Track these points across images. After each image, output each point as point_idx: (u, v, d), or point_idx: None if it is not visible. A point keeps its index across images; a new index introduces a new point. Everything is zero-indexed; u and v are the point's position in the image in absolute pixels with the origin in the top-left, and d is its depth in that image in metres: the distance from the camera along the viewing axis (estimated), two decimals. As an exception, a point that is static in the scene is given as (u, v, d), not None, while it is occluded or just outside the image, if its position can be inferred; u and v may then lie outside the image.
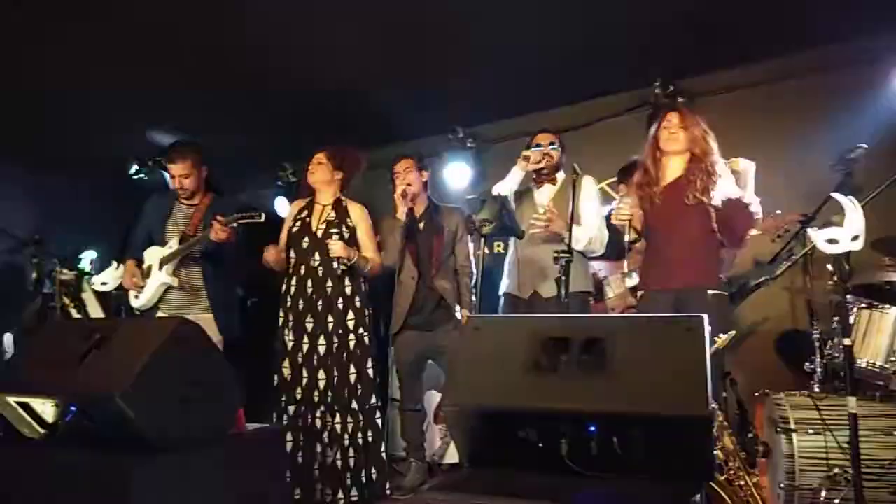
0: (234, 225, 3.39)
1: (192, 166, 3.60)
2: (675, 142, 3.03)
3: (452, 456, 4.12)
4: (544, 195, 3.55)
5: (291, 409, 3.40)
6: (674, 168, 3.08)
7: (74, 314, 3.96)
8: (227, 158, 5.81)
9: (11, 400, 2.12)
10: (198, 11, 3.64)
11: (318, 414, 3.38)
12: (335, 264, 3.42)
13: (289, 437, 3.34)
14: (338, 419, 3.38)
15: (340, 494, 3.34)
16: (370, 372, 3.48)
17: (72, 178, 5.71)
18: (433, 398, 4.19)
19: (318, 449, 3.36)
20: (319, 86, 4.57)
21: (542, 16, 3.70)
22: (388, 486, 3.46)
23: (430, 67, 4.34)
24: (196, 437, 2.03)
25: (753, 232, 3.59)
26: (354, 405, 3.39)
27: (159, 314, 3.53)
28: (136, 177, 5.57)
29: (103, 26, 3.76)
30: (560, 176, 3.56)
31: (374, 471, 3.40)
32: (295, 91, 4.66)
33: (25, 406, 2.13)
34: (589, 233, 3.39)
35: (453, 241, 3.75)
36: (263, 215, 3.42)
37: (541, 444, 1.65)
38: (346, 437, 3.38)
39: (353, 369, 3.42)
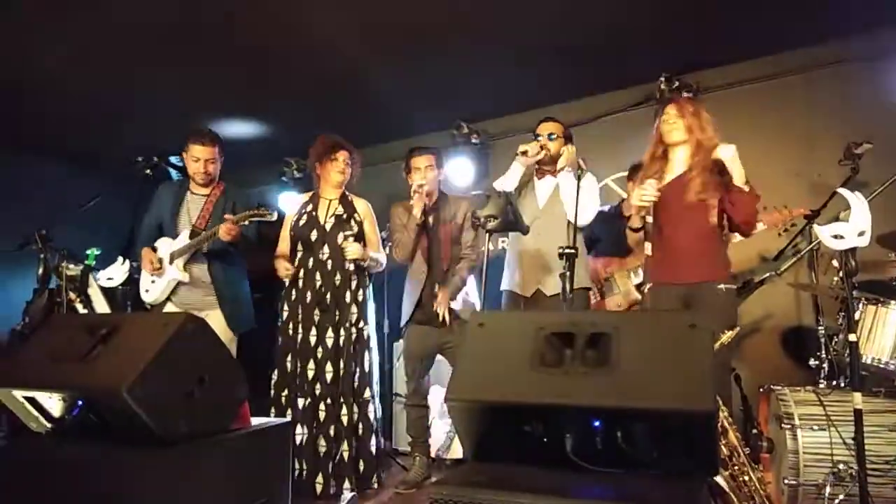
0: (246, 223, 3.41)
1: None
2: (675, 132, 3.01)
3: (457, 451, 4.13)
4: (545, 186, 3.53)
5: (301, 402, 3.41)
6: (679, 161, 3.06)
7: (80, 309, 3.97)
8: (231, 154, 5.86)
9: (18, 394, 2.13)
10: (205, 8, 3.65)
11: (323, 406, 3.40)
12: (347, 265, 3.47)
13: (298, 429, 3.37)
14: (343, 411, 3.41)
15: (347, 485, 3.36)
16: (366, 366, 3.52)
17: (79, 173, 5.73)
18: (438, 393, 4.20)
19: (323, 442, 3.39)
20: (324, 82, 4.57)
21: (549, 11, 3.70)
22: (374, 478, 3.47)
23: (435, 63, 4.34)
24: (201, 432, 2.04)
25: (760, 226, 3.58)
26: (351, 398, 3.43)
27: (169, 307, 3.55)
28: (142, 172, 5.57)
29: (109, 22, 3.77)
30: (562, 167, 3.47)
31: (361, 463, 3.43)
32: (299, 87, 4.67)
33: (32, 400, 2.14)
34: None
35: (460, 231, 3.74)
36: (276, 214, 3.43)
37: (545, 439, 1.65)
38: (348, 428, 3.41)
39: (351, 362, 3.45)
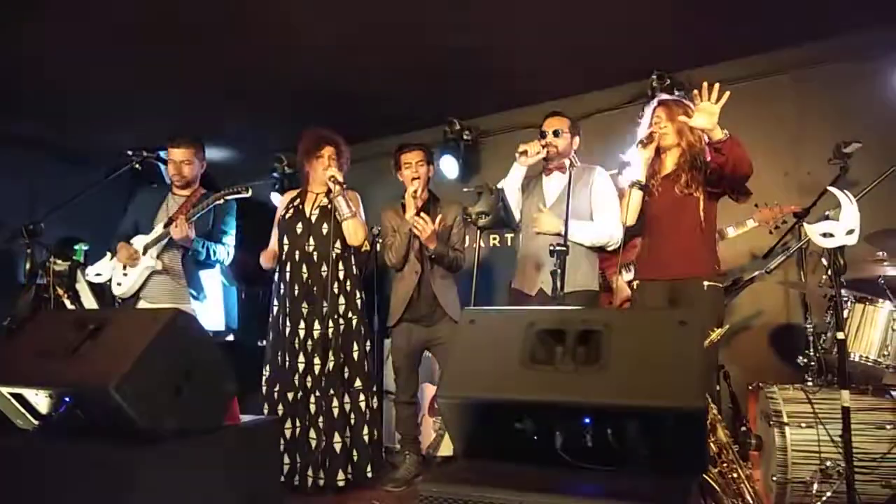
0: (221, 200, 3.48)
1: (194, 155, 3.67)
2: (665, 137, 3.06)
3: (447, 448, 4.13)
4: (553, 184, 3.48)
5: (290, 395, 3.40)
6: (669, 161, 3.11)
7: (68, 305, 3.94)
8: (221, 152, 5.83)
9: (5, 391, 2.11)
10: (196, 6, 3.63)
11: (313, 399, 3.40)
12: (331, 185, 3.45)
13: (289, 423, 3.37)
14: (334, 403, 3.40)
15: (340, 476, 3.35)
16: (356, 355, 3.50)
17: (67, 168, 5.68)
18: (427, 391, 4.20)
19: (313, 434, 3.38)
20: (314, 78, 4.55)
21: (540, 8, 3.69)
22: (368, 468, 3.45)
23: (427, 59, 4.32)
24: (190, 428, 2.03)
25: (751, 223, 3.60)
26: (342, 388, 3.43)
27: (141, 303, 3.55)
28: (130, 167, 5.54)
29: (102, 20, 3.74)
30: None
31: (355, 453, 3.42)
32: (289, 84, 4.64)
33: (19, 397, 2.12)
34: (601, 230, 3.31)
35: (449, 233, 3.73)
36: (251, 190, 3.47)
37: (535, 437, 1.66)
38: (339, 420, 3.40)
39: (340, 353, 3.44)
